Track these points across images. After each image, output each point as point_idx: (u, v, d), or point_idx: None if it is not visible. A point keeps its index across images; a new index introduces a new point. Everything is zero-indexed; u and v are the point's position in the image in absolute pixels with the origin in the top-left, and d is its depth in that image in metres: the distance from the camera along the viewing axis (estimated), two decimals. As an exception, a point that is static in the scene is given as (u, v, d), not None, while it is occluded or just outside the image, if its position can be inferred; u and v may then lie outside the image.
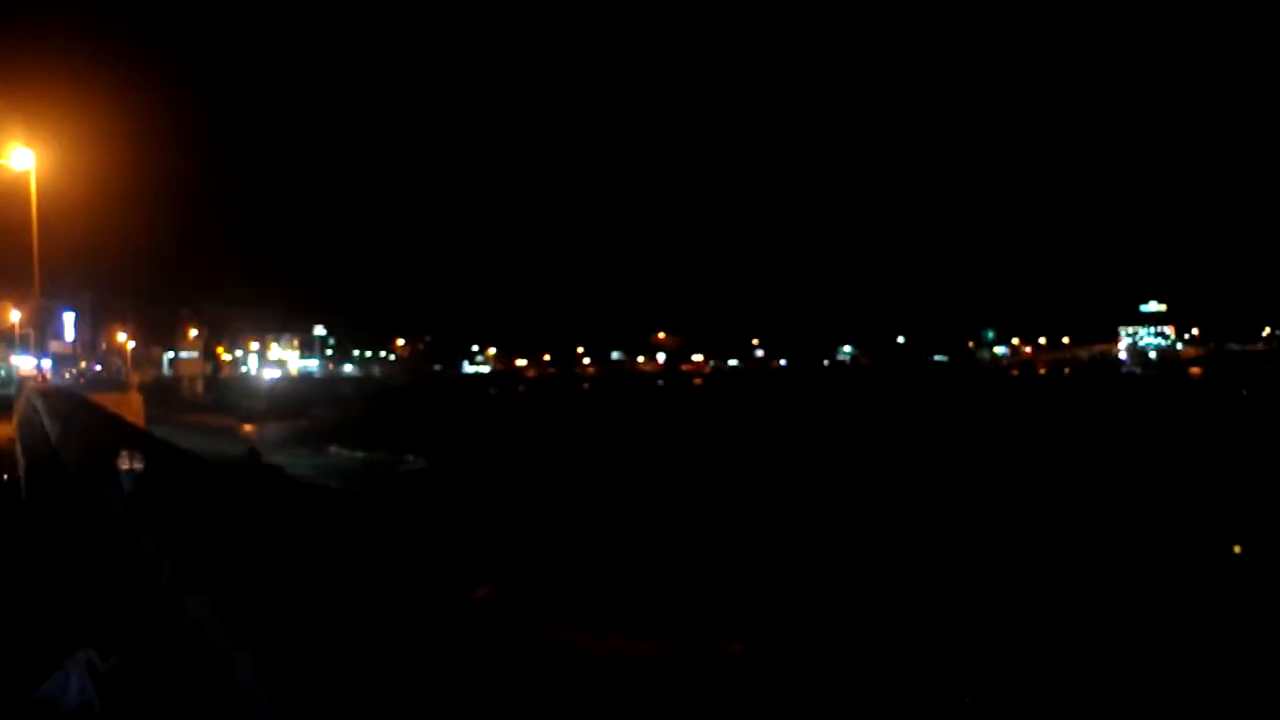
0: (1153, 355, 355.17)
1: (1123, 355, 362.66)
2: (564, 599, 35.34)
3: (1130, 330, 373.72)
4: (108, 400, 54.68)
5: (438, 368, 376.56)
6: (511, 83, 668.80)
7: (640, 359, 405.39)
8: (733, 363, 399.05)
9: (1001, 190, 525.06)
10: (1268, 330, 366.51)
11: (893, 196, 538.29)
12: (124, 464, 11.26)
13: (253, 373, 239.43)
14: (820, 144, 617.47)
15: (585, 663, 4.79)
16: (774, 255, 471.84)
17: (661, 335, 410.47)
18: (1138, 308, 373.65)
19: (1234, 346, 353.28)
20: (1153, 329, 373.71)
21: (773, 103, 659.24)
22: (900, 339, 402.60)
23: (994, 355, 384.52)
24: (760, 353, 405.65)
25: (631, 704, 4.57)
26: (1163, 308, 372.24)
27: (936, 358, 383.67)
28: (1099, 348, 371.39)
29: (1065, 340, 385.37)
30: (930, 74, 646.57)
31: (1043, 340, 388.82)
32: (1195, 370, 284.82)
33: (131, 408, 63.96)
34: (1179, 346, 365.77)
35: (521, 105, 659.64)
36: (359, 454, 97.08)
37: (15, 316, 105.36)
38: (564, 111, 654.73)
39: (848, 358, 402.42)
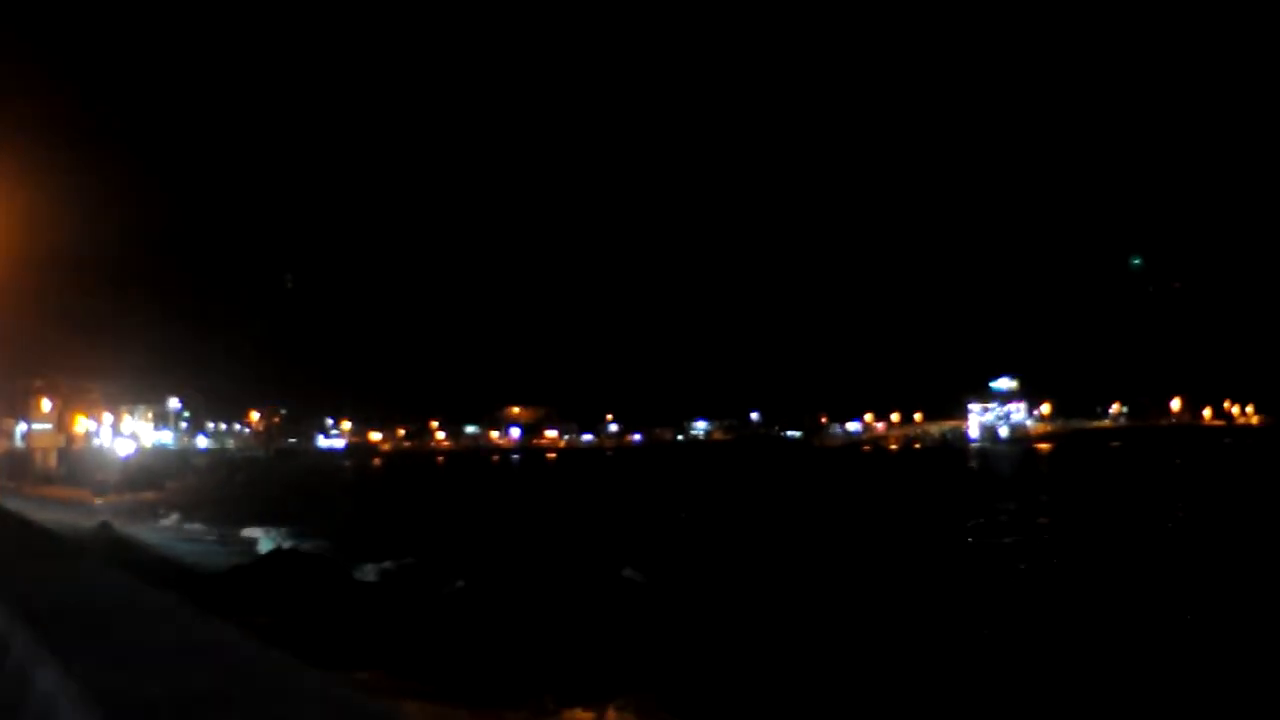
0: (1004, 432, 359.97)
1: (973, 431, 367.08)
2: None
3: (981, 406, 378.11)
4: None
5: (292, 441, 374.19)
6: (361, 155, 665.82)
7: (495, 433, 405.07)
8: (587, 437, 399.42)
9: (853, 265, 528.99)
10: (1116, 407, 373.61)
11: (744, 268, 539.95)
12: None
13: (106, 445, 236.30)
14: (669, 215, 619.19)
15: None
16: (627, 328, 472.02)
17: (516, 409, 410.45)
18: (989, 384, 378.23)
19: (1083, 423, 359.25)
20: (1004, 405, 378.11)
21: (622, 174, 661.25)
22: (754, 414, 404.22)
23: (846, 432, 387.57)
24: (614, 427, 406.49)
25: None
26: (1014, 384, 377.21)
27: (789, 433, 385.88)
28: (950, 423, 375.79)
29: (917, 417, 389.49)
30: (774, 144, 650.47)
31: (895, 416, 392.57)
32: (1044, 446, 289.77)
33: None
34: (1029, 423, 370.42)
35: (368, 178, 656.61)
36: (208, 526, 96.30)
37: None
38: (415, 179, 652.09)
39: (702, 433, 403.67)
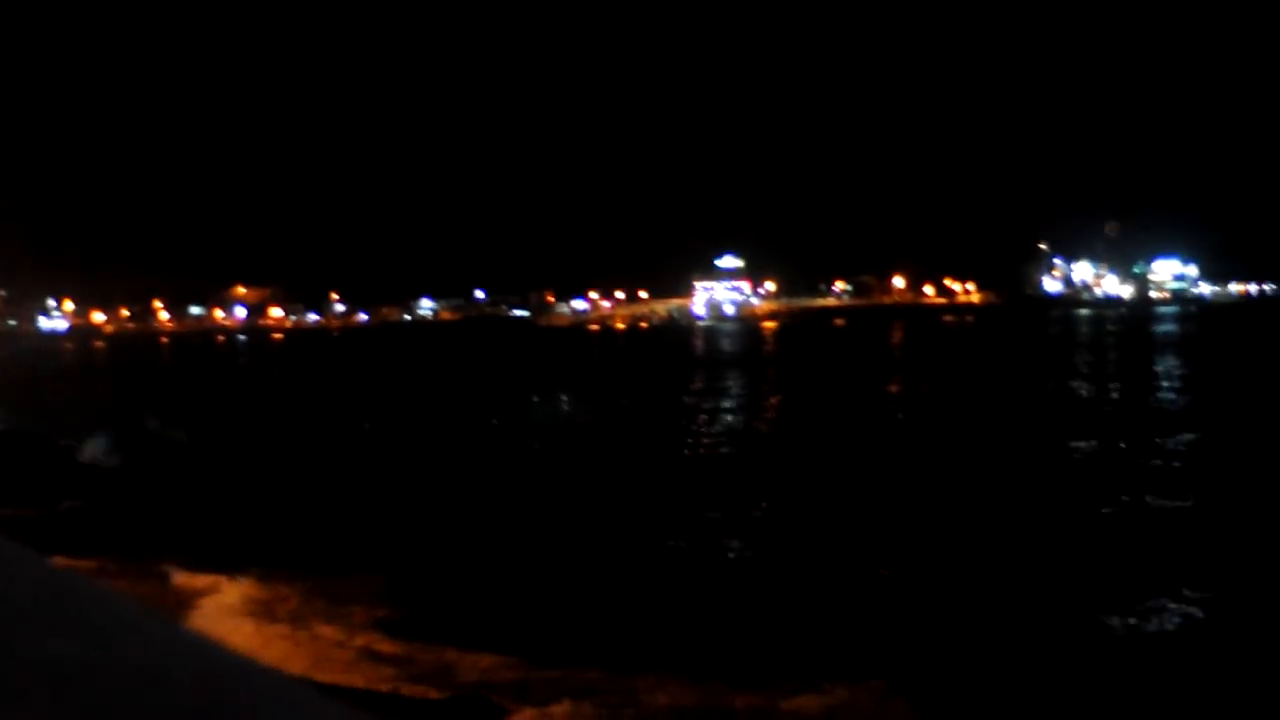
0: (730, 310, 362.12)
1: (699, 309, 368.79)
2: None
3: (707, 284, 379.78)
4: None
5: (12, 323, 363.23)
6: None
7: (219, 313, 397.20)
8: (313, 317, 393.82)
9: (575, 140, 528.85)
10: (840, 284, 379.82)
11: (468, 142, 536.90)
12: None
13: None
14: (395, 90, 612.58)
15: None
16: (351, 205, 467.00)
17: (241, 289, 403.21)
18: (714, 262, 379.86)
19: (808, 301, 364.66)
20: (729, 283, 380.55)
21: (346, 52, 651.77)
22: (479, 292, 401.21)
23: (574, 310, 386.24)
24: (341, 307, 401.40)
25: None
26: (739, 263, 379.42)
27: (517, 312, 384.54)
28: (676, 302, 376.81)
29: (643, 294, 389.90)
30: (509, 15, 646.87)
31: (621, 294, 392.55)
32: (769, 324, 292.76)
33: None
34: (755, 301, 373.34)
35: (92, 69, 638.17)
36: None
37: None
38: (148, 54, 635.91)
39: (430, 312, 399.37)
